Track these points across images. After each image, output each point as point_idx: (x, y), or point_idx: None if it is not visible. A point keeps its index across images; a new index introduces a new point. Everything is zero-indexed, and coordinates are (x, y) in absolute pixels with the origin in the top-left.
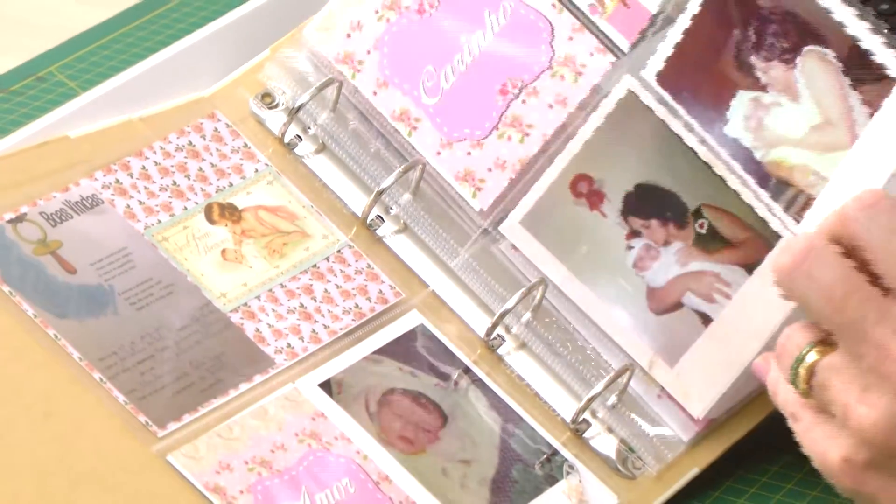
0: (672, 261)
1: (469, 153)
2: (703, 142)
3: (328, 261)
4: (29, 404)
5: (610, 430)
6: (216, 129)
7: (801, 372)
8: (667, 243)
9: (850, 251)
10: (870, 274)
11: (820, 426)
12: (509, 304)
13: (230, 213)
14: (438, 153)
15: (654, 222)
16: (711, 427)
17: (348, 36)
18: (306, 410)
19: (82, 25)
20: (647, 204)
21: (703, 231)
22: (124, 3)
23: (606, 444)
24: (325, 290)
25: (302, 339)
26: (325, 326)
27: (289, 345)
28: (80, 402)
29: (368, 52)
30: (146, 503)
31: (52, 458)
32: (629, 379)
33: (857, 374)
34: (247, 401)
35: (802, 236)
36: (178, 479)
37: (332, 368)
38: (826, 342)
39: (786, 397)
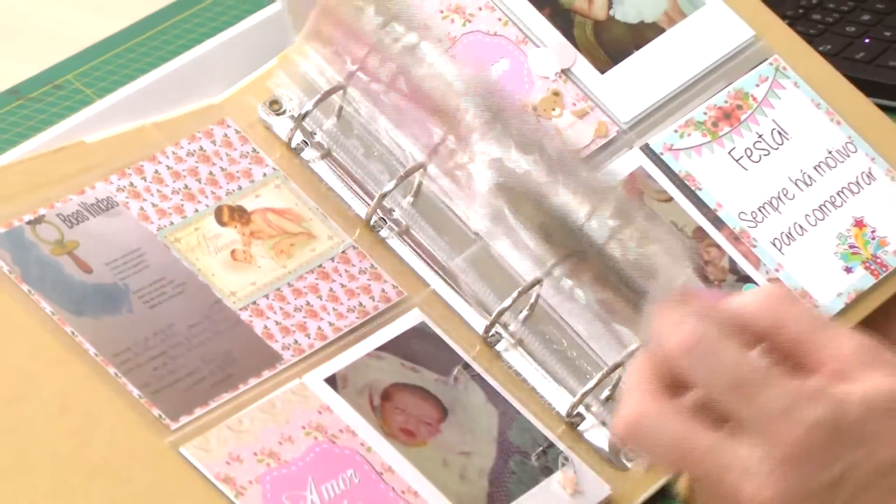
0: None
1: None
2: None
3: (333, 261)
4: (46, 399)
5: (603, 423)
6: (226, 135)
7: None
8: None
9: (681, 381)
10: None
11: None
12: (506, 303)
13: (239, 215)
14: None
15: None
16: None
17: None
18: (313, 404)
19: (98, 36)
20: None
21: None
22: (138, 14)
23: (600, 436)
24: (331, 289)
25: (308, 335)
26: (331, 324)
27: (296, 341)
28: (96, 396)
29: None
30: (159, 494)
31: (68, 451)
32: (622, 374)
33: None
34: (256, 395)
35: (633, 396)
36: (190, 470)
37: (337, 364)
38: None
39: None
